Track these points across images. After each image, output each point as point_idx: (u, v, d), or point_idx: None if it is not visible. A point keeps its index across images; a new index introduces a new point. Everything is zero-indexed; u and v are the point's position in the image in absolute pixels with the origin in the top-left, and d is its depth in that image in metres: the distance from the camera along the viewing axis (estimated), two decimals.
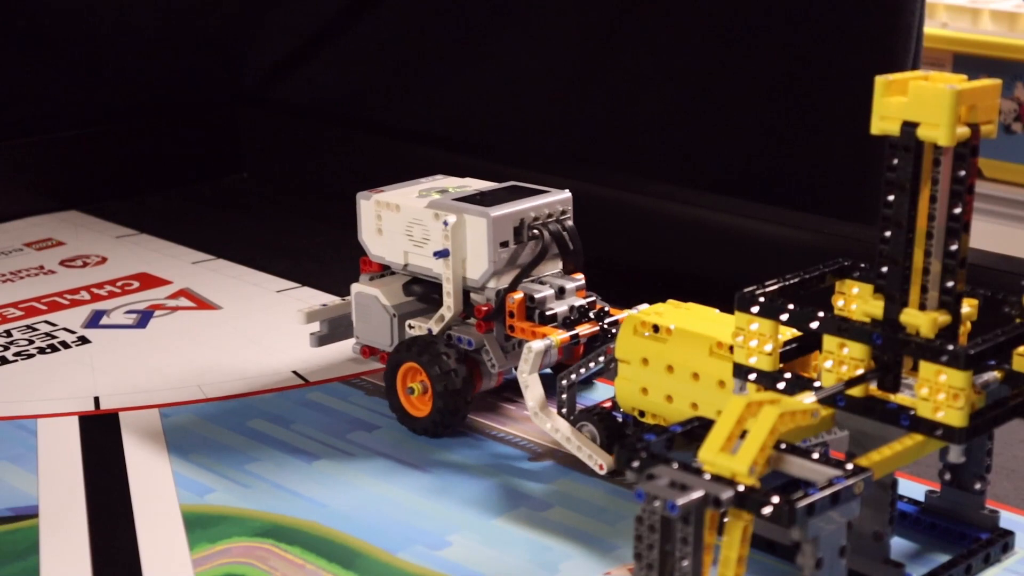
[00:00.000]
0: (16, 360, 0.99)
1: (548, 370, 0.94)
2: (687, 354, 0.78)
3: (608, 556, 0.73)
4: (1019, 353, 0.69)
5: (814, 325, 0.68)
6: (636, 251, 1.17)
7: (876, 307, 0.66)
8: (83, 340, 1.02)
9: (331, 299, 0.99)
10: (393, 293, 0.92)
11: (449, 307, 0.88)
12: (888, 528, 0.68)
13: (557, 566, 0.72)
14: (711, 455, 0.59)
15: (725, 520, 0.59)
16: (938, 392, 0.63)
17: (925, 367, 0.64)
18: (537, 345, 0.84)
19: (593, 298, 0.89)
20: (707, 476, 0.58)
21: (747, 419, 0.60)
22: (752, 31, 1.24)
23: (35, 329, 1.04)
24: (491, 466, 0.83)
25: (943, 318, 0.64)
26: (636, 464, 0.62)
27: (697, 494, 0.57)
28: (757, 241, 1.11)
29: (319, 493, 0.80)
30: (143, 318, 1.07)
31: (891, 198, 0.65)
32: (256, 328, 1.05)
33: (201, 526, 0.76)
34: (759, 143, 1.25)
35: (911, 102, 0.63)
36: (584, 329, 0.86)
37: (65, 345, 1.01)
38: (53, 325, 1.05)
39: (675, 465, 0.60)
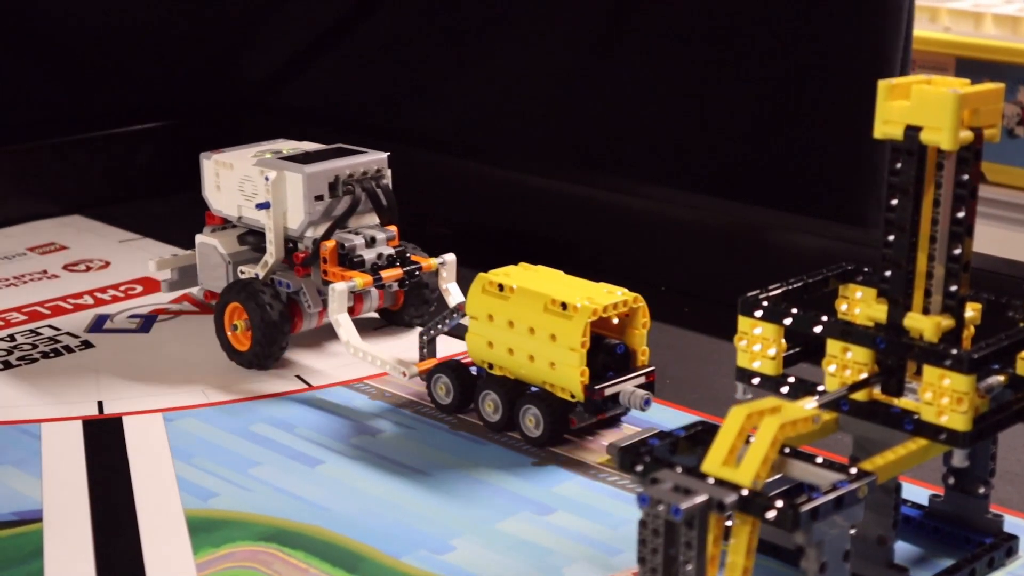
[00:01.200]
0: (20, 364, 0.99)
1: (375, 314, 1.06)
2: (525, 310, 0.85)
3: (612, 560, 0.73)
4: (1023, 357, 0.69)
5: (818, 329, 0.68)
6: (634, 256, 1.17)
7: (880, 311, 0.66)
8: (87, 344, 1.02)
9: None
10: (230, 243, 1.03)
11: (271, 254, 0.98)
12: (892, 532, 0.68)
13: (560, 570, 0.72)
14: (714, 468, 0.59)
15: (729, 524, 0.59)
16: (942, 396, 0.63)
17: (929, 371, 0.64)
18: (340, 286, 0.94)
19: (403, 248, 0.99)
20: (711, 480, 0.58)
21: (749, 429, 0.60)
22: (744, 35, 1.24)
23: (39, 333, 1.04)
24: (494, 470, 0.83)
25: (947, 322, 0.64)
26: (640, 468, 0.62)
27: (701, 498, 0.57)
28: (761, 245, 1.11)
29: (322, 497, 0.80)
30: (146, 322, 1.07)
31: (894, 202, 0.65)
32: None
33: (205, 530, 0.76)
34: (751, 145, 1.26)
35: (914, 106, 0.63)
36: (388, 273, 0.96)
37: (69, 350, 1.01)
38: (57, 330, 1.05)
39: (679, 469, 0.60)
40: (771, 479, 0.63)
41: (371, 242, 0.98)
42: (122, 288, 1.14)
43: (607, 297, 0.85)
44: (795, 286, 0.72)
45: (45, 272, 1.18)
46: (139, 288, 1.14)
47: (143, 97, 1.45)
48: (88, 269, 1.18)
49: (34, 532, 0.76)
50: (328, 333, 1.02)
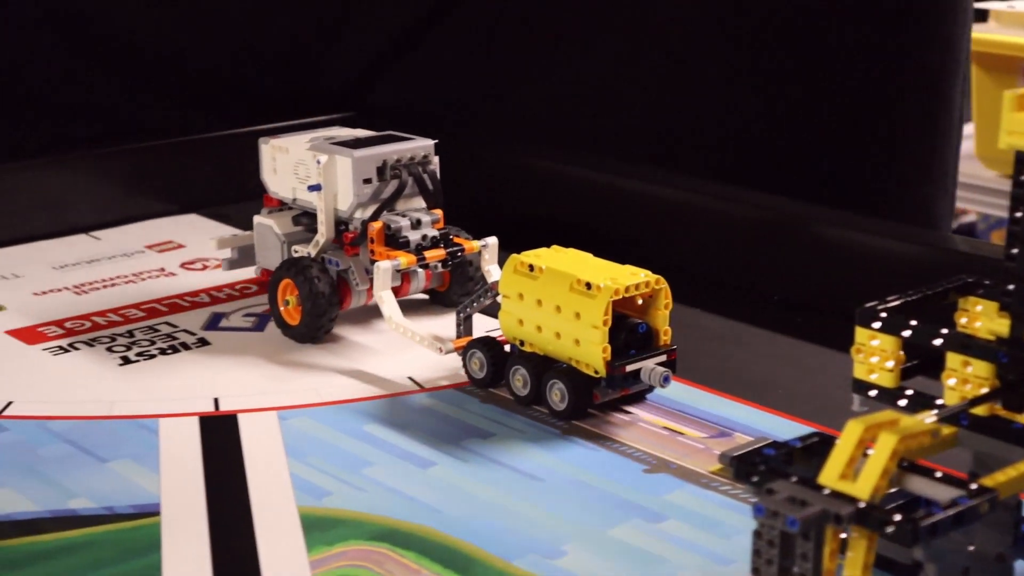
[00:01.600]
0: (138, 360, 1.00)
1: (425, 295, 1.11)
2: (552, 290, 0.90)
3: (724, 570, 0.73)
4: None
5: (937, 342, 0.67)
6: (737, 261, 1.17)
7: (1002, 325, 0.65)
8: (203, 342, 1.04)
9: None
10: (285, 223, 1.08)
11: (322, 234, 1.04)
12: (1012, 550, 0.67)
13: None
14: (831, 481, 0.59)
15: (845, 537, 0.58)
16: None
17: None
18: (384, 264, 1.00)
19: (447, 230, 1.04)
20: (827, 492, 0.58)
21: (866, 442, 0.60)
22: (812, 36, 1.24)
23: (156, 330, 1.06)
24: (606, 476, 0.83)
25: None
26: (755, 478, 0.62)
27: (817, 510, 0.57)
28: (858, 254, 1.10)
29: (434, 499, 0.80)
30: (261, 321, 1.08)
31: (1019, 214, 0.64)
32: (372, 333, 1.05)
33: (318, 528, 0.77)
34: (828, 146, 1.25)
35: None
36: (431, 254, 1.01)
37: (185, 346, 1.03)
38: (174, 327, 1.07)
39: (794, 480, 0.59)
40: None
41: (416, 224, 1.03)
42: (237, 287, 1.16)
43: (630, 278, 0.89)
44: (913, 298, 0.71)
45: (163, 270, 1.20)
46: (254, 287, 1.15)
47: (255, 102, 1.48)
48: (204, 268, 1.20)
49: (152, 525, 0.77)
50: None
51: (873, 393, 0.69)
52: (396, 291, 1.02)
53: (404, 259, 1.00)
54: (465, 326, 1.00)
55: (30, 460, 0.85)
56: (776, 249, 1.15)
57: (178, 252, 1.25)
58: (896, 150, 1.29)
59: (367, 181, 1.02)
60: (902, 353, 0.69)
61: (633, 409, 0.92)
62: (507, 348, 0.95)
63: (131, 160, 1.37)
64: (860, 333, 0.69)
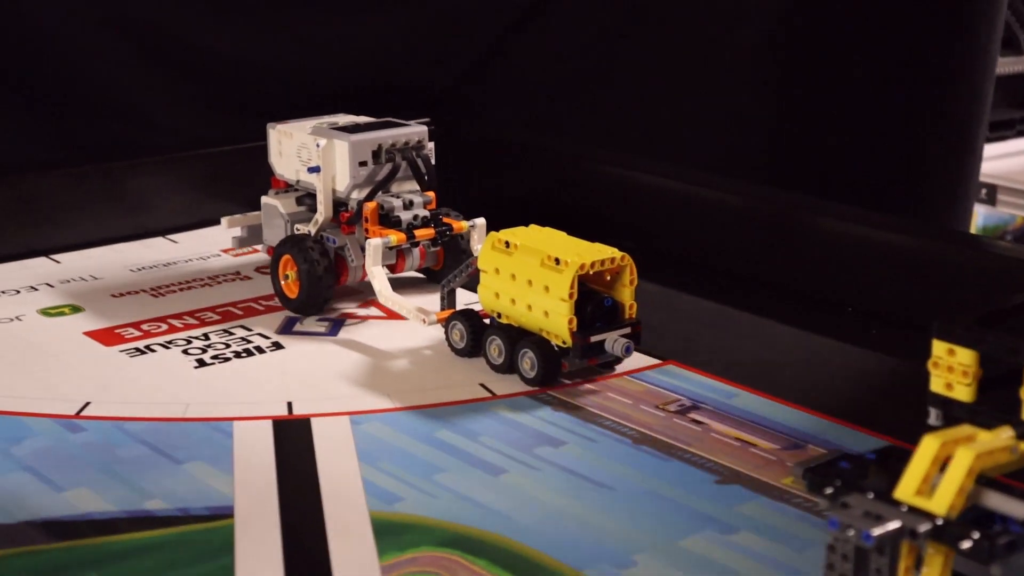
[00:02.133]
0: (214, 363, 1.01)
1: (420, 274, 1.18)
2: (525, 265, 0.96)
3: None
4: None
5: (1016, 356, 0.66)
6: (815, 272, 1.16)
7: None
8: (277, 346, 1.05)
9: None
10: (289, 204, 1.15)
11: (321, 213, 1.11)
12: None
13: None
14: (907, 496, 0.58)
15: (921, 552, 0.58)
16: None
17: None
18: (375, 241, 1.07)
19: (438, 211, 1.11)
20: (903, 507, 0.57)
21: (943, 457, 0.59)
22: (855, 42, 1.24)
23: (231, 333, 1.07)
24: (677, 486, 0.83)
25: None
26: (829, 491, 0.62)
27: (893, 525, 0.56)
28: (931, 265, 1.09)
29: (505, 506, 0.80)
30: (334, 326, 1.09)
31: None
32: (444, 342, 1.06)
33: (390, 533, 0.77)
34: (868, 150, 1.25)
35: None
36: (421, 232, 1.09)
37: (260, 350, 1.04)
38: (249, 330, 1.08)
39: (870, 494, 0.59)
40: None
41: (409, 205, 1.10)
42: None
43: (596, 255, 0.95)
44: (991, 310, 0.70)
45: (238, 274, 1.21)
46: None
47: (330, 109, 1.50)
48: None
49: (225, 527, 0.78)
50: None
51: (950, 407, 0.68)
52: (392, 268, 1.11)
53: (395, 237, 1.08)
54: (448, 299, 1.06)
55: (107, 460, 0.86)
56: (852, 261, 1.14)
57: (254, 256, 1.26)
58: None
59: (363, 164, 1.10)
60: (980, 367, 0.68)
61: (705, 420, 0.92)
62: (487, 321, 1.01)
63: (209, 164, 1.38)
64: (937, 346, 0.69)
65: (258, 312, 1.12)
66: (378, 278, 1.07)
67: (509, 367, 0.98)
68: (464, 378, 0.99)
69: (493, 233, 1.00)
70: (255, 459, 0.86)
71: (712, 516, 0.79)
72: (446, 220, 1.11)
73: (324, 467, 0.85)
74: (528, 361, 0.97)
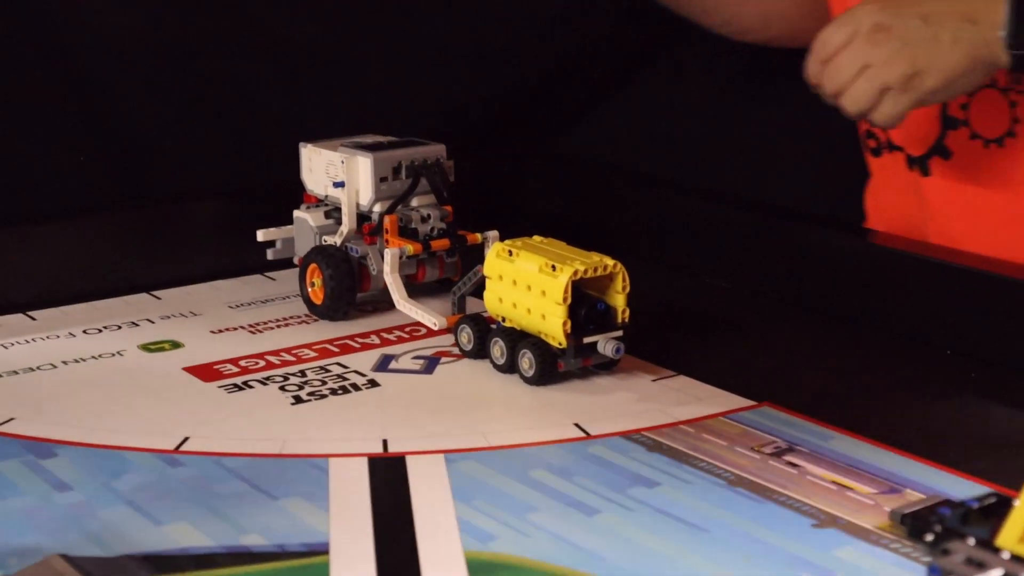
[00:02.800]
0: (310, 400, 1.02)
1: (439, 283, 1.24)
2: (525, 271, 1.04)
3: None
4: None
5: None
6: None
7: None
8: (373, 383, 1.06)
9: None
10: (318, 217, 1.24)
11: (345, 224, 1.20)
12: None
13: None
14: (1010, 544, 0.57)
15: None
16: None
17: None
18: (392, 251, 1.17)
19: (454, 224, 1.20)
20: (1006, 555, 0.57)
21: None
22: None
23: (328, 370, 1.08)
24: (773, 529, 0.82)
25: None
26: (930, 537, 0.61)
27: (996, 572, 0.55)
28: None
29: (599, 546, 0.80)
30: (430, 364, 1.10)
31: None
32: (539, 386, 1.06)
33: (484, 572, 0.77)
34: None
35: None
36: (437, 243, 1.18)
37: (356, 387, 1.05)
38: (345, 367, 1.09)
39: (971, 541, 0.58)
40: None
41: (426, 218, 1.19)
42: (407, 329, 1.17)
43: (589, 262, 1.03)
44: None
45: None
46: (422, 330, 1.17)
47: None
48: (375, 310, 1.22)
49: (321, 564, 0.79)
50: (607, 383, 1.03)
51: None
52: (413, 277, 1.20)
53: (411, 247, 1.17)
54: (458, 305, 1.15)
55: (206, 496, 0.87)
56: (950, 303, 1.12)
57: None
58: None
59: (383, 179, 1.19)
60: None
61: (801, 462, 0.91)
62: (493, 326, 1.08)
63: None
64: None
65: (354, 349, 1.13)
66: (393, 284, 1.17)
67: (510, 367, 1.05)
68: (558, 418, 0.99)
69: (498, 243, 1.08)
70: (351, 496, 0.87)
71: (808, 560, 0.78)
72: (461, 232, 1.19)
73: (419, 504, 0.86)
74: (527, 361, 1.04)
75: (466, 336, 1.09)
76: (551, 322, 1.03)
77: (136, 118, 1.47)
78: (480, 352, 1.09)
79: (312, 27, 1.52)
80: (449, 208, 1.20)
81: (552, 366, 1.04)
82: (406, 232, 1.19)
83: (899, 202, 1.30)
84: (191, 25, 1.47)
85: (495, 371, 1.07)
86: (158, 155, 1.51)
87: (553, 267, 1.02)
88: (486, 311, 1.09)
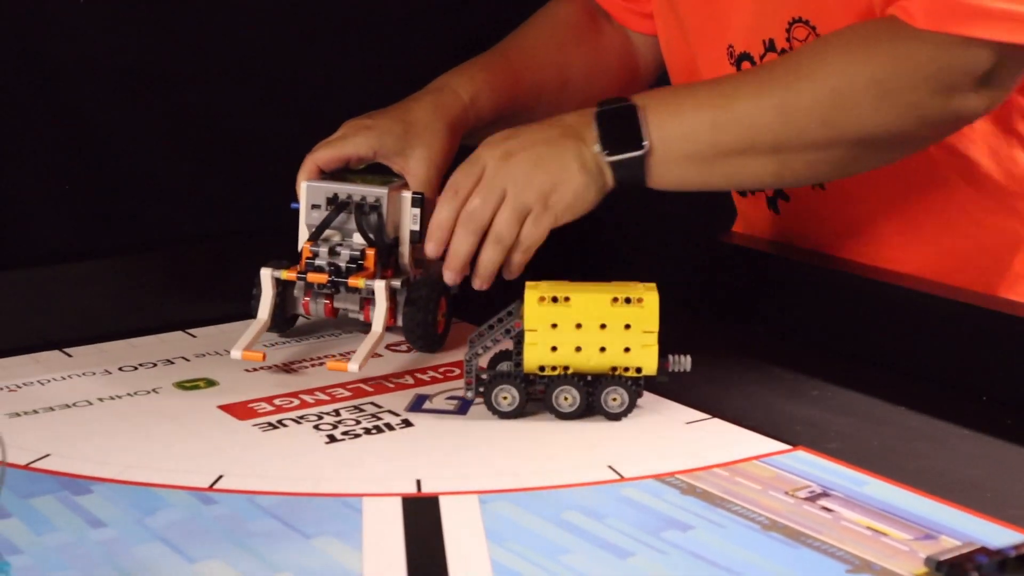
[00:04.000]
0: (344, 439, 1.03)
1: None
2: (592, 311, 1.04)
3: None
4: None
5: None
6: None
7: None
8: (406, 423, 1.06)
9: None
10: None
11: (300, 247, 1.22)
12: None
13: None
14: None
15: None
16: None
17: None
18: (264, 271, 1.19)
19: (357, 266, 1.18)
20: None
21: None
22: None
23: (362, 410, 1.08)
24: (807, 574, 0.82)
25: None
26: None
27: None
28: None
29: None
30: (463, 405, 1.10)
31: None
32: (572, 421, 1.06)
33: None
34: None
35: None
36: (313, 276, 1.17)
37: (389, 427, 1.05)
38: (378, 407, 1.09)
39: None
40: None
41: (333, 252, 1.18)
42: (441, 370, 1.18)
43: (645, 289, 1.04)
44: None
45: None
46: (456, 371, 1.17)
47: None
48: (409, 349, 1.22)
49: None
50: (650, 421, 1.03)
51: None
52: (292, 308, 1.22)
53: (284, 273, 1.18)
54: (475, 372, 1.07)
55: (239, 534, 0.87)
56: (985, 348, 1.12)
57: (387, 336, 1.28)
58: None
59: (315, 206, 1.20)
60: None
61: (835, 507, 0.91)
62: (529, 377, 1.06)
63: None
64: None
65: (388, 389, 1.13)
66: (261, 303, 1.19)
67: (582, 413, 1.05)
68: (591, 460, 0.99)
69: (532, 290, 1.05)
70: (384, 535, 0.87)
71: None
72: (354, 277, 1.17)
73: (452, 545, 0.86)
74: (617, 397, 1.04)
75: (508, 397, 1.06)
76: (642, 353, 1.04)
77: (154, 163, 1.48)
78: (524, 410, 1.06)
79: (309, 65, 1.54)
80: (371, 249, 1.18)
81: (638, 397, 1.06)
82: (312, 263, 1.19)
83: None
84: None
85: (528, 412, 1.07)
86: (190, 195, 1.52)
87: (628, 300, 1.03)
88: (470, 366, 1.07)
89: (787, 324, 1.25)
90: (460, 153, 1.24)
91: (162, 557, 0.84)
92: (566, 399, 1.05)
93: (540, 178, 1.15)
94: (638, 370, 1.05)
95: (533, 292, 1.05)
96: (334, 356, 1.18)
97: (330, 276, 1.17)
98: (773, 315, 1.27)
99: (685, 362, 1.06)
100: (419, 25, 1.63)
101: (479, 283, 1.18)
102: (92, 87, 1.51)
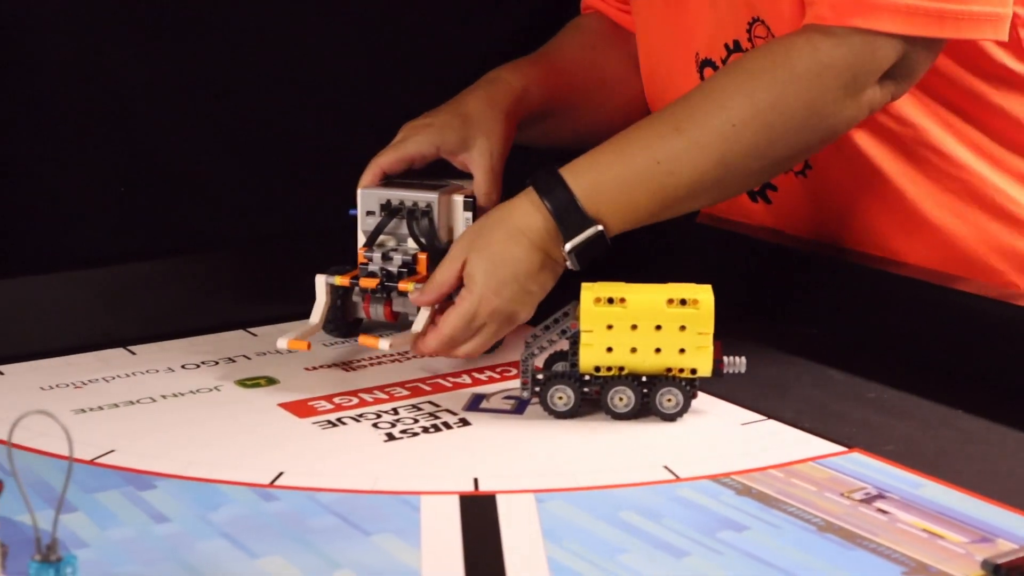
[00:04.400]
0: (402, 437, 1.04)
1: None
2: (648, 311, 1.05)
3: None
4: None
5: None
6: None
7: None
8: (464, 422, 1.07)
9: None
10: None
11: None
12: None
13: None
14: None
15: None
16: None
17: None
18: (319, 277, 1.21)
19: (408, 270, 1.20)
20: None
21: None
22: None
23: (420, 409, 1.10)
24: (860, 575, 0.82)
25: None
26: None
27: None
28: None
29: None
30: (520, 404, 1.11)
31: None
32: (629, 421, 1.07)
33: None
34: None
35: None
36: (365, 281, 1.19)
37: (447, 426, 1.06)
38: (436, 406, 1.10)
39: None
40: None
41: (387, 258, 1.20)
42: (498, 370, 1.19)
43: (700, 291, 1.05)
44: None
45: None
46: (513, 371, 1.18)
47: None
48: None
49: None
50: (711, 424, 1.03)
51: None
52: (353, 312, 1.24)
53: (338, 279, 1.20)
54: (532, 372, 1.08)
55: (299, 530, 0.89)
56: None
57: None
58: None
59: (370, 213, 1.21)
60: None
61: (891, 509, 0.91)
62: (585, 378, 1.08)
63: None
64: None
65: (446, 389, 1.14)
66: (315, 309, 1.21)
67: (636, 414, 1.06)
68: (647, 460, 1.00)
69: (587, 291, 1.06)
70: (442, 533, 0.88)
71: None
72: (405, 281, 1.18)
73: (509, 543, 0.87)
74: (672, 398, 1.05)
75: (564, 397, 1.07)
76: (697, 354, 1.05)
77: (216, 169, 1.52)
78: (579, 410, 1.07)
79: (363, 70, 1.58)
80: (423, 254, 1.19)
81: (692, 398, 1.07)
82: (366, 268, 1.21)
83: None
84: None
85: (584, 413, 1.07)
86: (248, 198, 1.55)
87: (683, 301, 1.04)
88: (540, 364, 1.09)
89: (843, 326, 1.25)
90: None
91: (225, 552, 0.86)
92: (621, 399, 1.06)
93: (522, 315, 1.16)
94: (693, 371, 1.06)
95: (589, 293, 1.06)
96: (379, 335, 1.18)
97: (381, 281, 1.20)
98: (829, 317, 1.27)
99: (740, 363, 1.07)
100: (466, 27, 1.65)
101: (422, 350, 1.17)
102: (149, 99, 1.53)
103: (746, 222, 1.41)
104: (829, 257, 1.32)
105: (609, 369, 1.07)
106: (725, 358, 1.07)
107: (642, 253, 1.35)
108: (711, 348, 1.05)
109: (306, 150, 1.57)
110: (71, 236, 1.51)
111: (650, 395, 1.06)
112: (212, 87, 1.56)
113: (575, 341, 1.07)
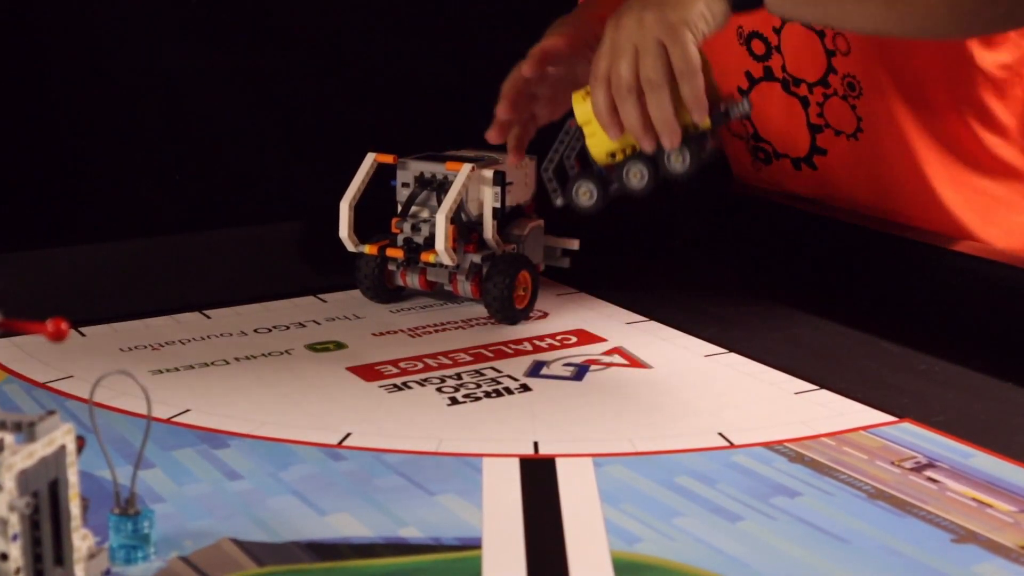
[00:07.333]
0: (465, 402, 1.07)
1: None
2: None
3: None
4: None
5: None
6: None
7: None
8: (525, 388, 1.10)
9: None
10: None
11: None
12: None
13: None
14: None
15: None
16: None
17: None
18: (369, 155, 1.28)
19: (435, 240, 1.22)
20: None
21: None
22: None
23: (482, 374, 1.13)
24: (913, 543, 0.84)
25: None
26: None
27: None
28: None
29: (742, 552, 0.83)
30: (580, 371, 1.13)
31: None
32: (684, 389, 1.09)
33: (630, 572, 0.81)
34: None
35: None
36: (392, 251, 1.25)
37: (508, 391, 1.09)
38: (498, 372, 1.13)
39: None
40: None
41: (416, 228, 1.24)
42: (558, 338, 1.21)
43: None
44: None
45: (491, 319, 1.27)
46: (574, 339, 1.21)
47: None
48: (529, 318, 1.26)
49: (474, 558, 0.83)
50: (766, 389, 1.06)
51: None
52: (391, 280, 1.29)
53: (368, 248, 1.26)
54: (558, 178, 1.15)
55: (366, 489, 0.92)
56: None
57: None
58: None
59: (405, 185, 1.27)
60: None
61: (941, 478, 0.93)
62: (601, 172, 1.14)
63: None
64: None
65: (507, 355, 1.17)
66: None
67: (655, 178, 1.11)
68: (702, 427, 1.02)
69: (575, 93, 1.12)
70: (503, 494, 0.91)
71: (947, 575, 0.81)
72: (429, 252, 1.22)
73: (567, 505, 0.89)
74: (681, 158, 1.10)
75: (587, 192, 1.14)
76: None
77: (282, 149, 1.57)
78: (605, 199, 1.14)
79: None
80: (452, 225, 1.22)
81: (704, 152, 1.10)
82: (396, 239, 1.26)
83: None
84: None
85: (641, 380, 1.10)
86: (321, 175, 1.59)
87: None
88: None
89: (896, 299, 1.27)
90: None
91: (295, 508, 0.89)
92: (635, 175, 1.11)
93: (652, 13, 1.10)
94: (695, 126, 1.09)
95: (578, 94, 1.12)
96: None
97: (404, 251, 1.24)
98: (880, 289, 1.28)
99: (742, 105, 1.08)
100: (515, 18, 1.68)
101: (668, 141, 1.12)
102: (207, 94, 1.60)
103: (791, 191, 1.42)
104: (879, 232, 1.33)
105: (624, 152, 1.11)
106: (722, 101, 1.09)
107: (691, 229, 1.38)
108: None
109: (363, 134, 1.61)
110: (147, 205, 1.55)
111: (659, 163, 1.10)
112: (275, 80, 1.63)
113: (580, 138, 1.12)
